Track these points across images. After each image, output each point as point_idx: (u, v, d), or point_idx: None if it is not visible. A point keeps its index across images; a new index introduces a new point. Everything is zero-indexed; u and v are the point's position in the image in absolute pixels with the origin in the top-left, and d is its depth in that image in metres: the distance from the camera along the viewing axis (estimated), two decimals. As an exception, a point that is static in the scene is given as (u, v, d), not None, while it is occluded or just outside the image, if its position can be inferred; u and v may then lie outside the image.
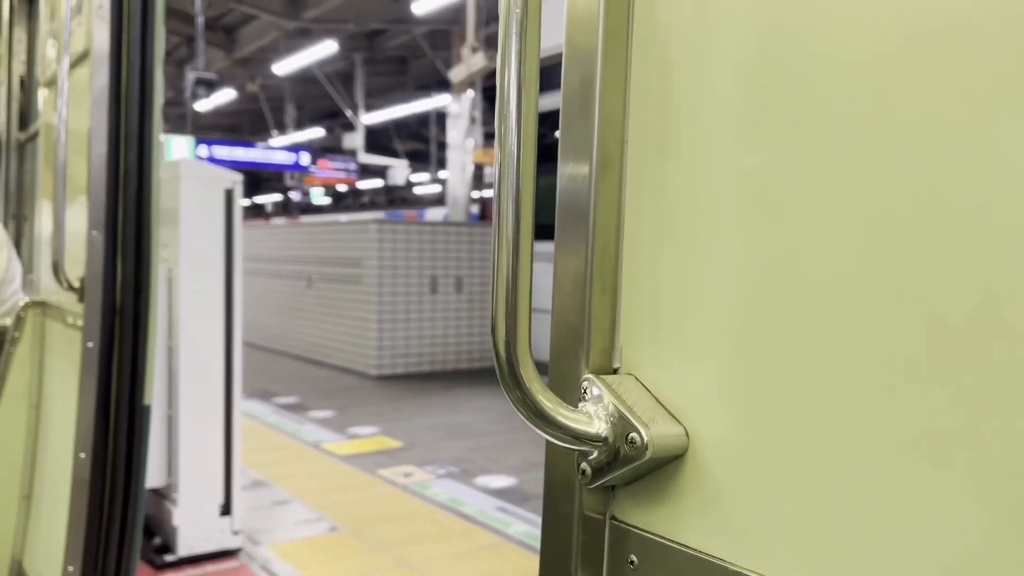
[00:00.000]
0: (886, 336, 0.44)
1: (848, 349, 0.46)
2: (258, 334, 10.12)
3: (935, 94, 0.42)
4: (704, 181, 0.55)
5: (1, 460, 2.38)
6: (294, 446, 5.33)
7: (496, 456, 5.10)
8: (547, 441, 0.58)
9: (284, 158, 17.54)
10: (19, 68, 3.22)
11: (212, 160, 14.60)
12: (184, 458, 3.23)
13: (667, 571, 0.55)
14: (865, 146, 0.45)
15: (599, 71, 0.60)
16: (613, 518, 0.59)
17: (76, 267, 1.97)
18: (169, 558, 3.23)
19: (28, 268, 2.98)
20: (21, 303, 2.36)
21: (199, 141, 15.28)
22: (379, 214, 22.16)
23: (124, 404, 1.78)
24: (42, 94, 2.65)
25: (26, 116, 3.24)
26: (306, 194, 26.54)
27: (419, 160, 23.60)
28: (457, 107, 12.22)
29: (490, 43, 10.42)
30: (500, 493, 4.35)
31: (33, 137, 3.04)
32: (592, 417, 0.56)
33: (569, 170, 0.62)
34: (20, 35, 3.23)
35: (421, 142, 23.04)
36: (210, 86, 13.82)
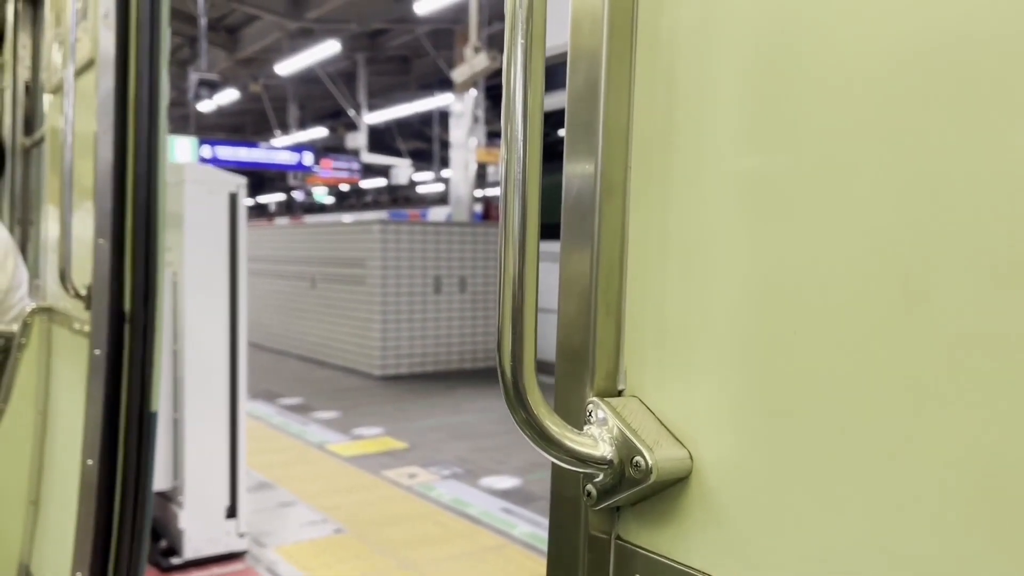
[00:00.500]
0: (893, 358, 0.44)
1: (854, 372, 0.46)
2: (262, 335, 10.14)
3: (941, 97, 0.42)
4: (710, 195, 0.54)
5: (9, 465, 2.39)
6: (299, 447, 5.34)
7: (500, 457, 5.11)
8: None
9: (287, 158, 17.55)
10: (24, 74, 3.24)
11: (216, 161, 14.62)
12: (190, 461, 3.24)
13: None
14: (874, 154, 0.45)
15: (603, 73, 0.60)
16: (618, 538, 0.60)
17: (83, 274, 1.97)
18: (175, 561, 3.25)
19: (34, 273, 2.99)
20: (28, 309, 2.37)
21: (202, 142, 15.31)
22: (382, 213, 22.14)
23: (133, 412, 1.79)
24: (47, 100, 2.66)
25: (31, 121, 3.25)
26: (309, 194, 26.56)
27: (422, 159, 23.61)
28: (460, 106, 12.22)
29: (492, 42, 10.42)
30: (505, 494, 4.36)
31: (39, 143, 3.05)
32: (597, 440, 0.57)
33: (574, 191, 0.63)
34: (25, 40, 3.24)
35: (424, 141, 23.03)
36: (213, 87, 13.82)
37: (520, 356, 0.55)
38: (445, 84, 14.78)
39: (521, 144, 0.54)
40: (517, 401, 0.55)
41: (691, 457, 0.55)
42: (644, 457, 0.54)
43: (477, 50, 9.79)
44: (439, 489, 4.42)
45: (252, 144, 18.53)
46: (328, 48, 15.10)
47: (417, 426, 6.02)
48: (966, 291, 0.41)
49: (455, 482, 4.57)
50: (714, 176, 0.54)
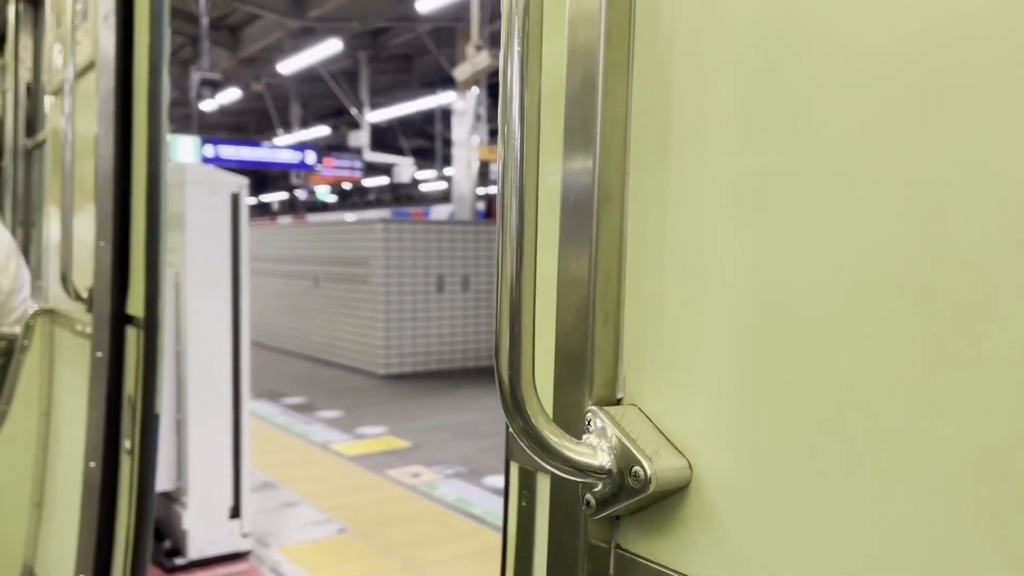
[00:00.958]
0: (896, 366, 0.43)
1: (855, 380, 0.45)
2: (265, 334, 10.15)
3: (937, 97, 0.42)
4: (708, 200, 0.54)
5: (12, 467, 2.40)
6: (302, 447, 5.35)
7: (503, 456, 5.10)
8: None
9: (290, 157, 17.54)
10: (25, 75, 3.24)
11: (218, 160, 14.62)
12: (193, 461, 3.24)
13: None
14: (874, 156, 0.44)
15: (601, 75, 0.59)
16: (618, 547, 0.60)
17: (84, 276, 1.97)
18: (179, 561, 3.25)
19: (36, 275, 2.99)
20: (30, 311, 2.37)
21: (205, 141, 15.30)
22: (385, 212, 22.13)
23: (137, 415, 1.79)
24: (48, 101, 2.66)
25: (33, 123, 3.25)
26: (312, 193, 26.57)
27: (424, 157, 23.59)
28: (462, 104, 12.21)
29: (494, 40, 10.40)
30: (508, 493, 4.35)
31: (40, 144, 3.06)
32: (596, 449, 0.56)
33: (572, 197, 0.62)
34: (26, 42, 3.24)
35: (426, 139, 23.02)
36: (215, 86, 13.83)
37: (518, 363, 0.55)
38: (447, 82, 14.78)
39: (518, 144, 0.53)
40: (515, 409, 0.54)
41: (690, 466, 0.55)
42: (643, 467, 0.54)
43: (479, 48, 9.78)
44: (443, 488, 4.42)
45: (255, 143, 18.53)
46: (330, 47, 15.10)
47: (420, 425, 6.02)
48: (971, 294, 0.40)
49: (459, 481, 4.57)
50: (713, 180, 0.54)
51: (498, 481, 4.56)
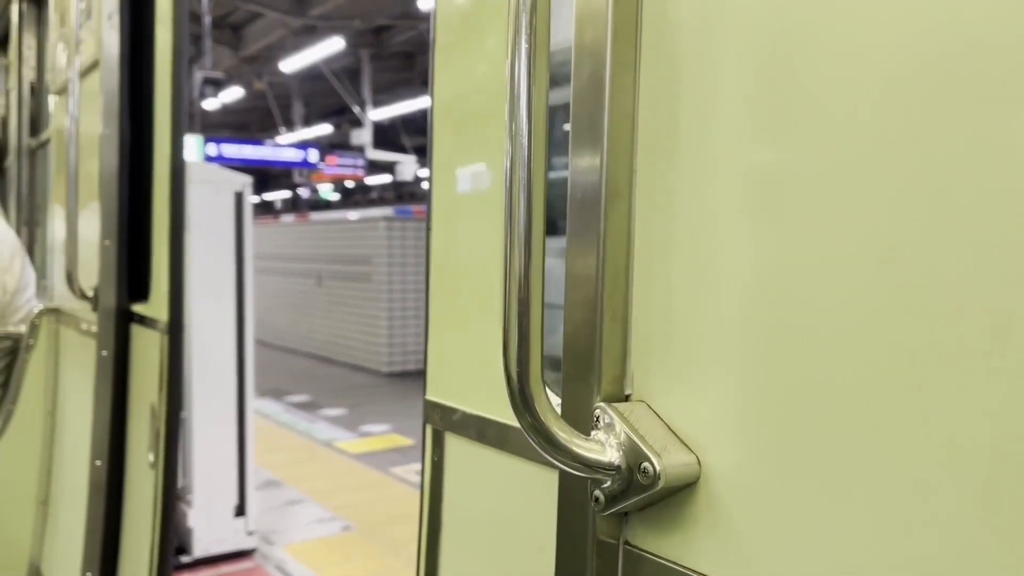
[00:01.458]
0: (906, 364, 0.43)
1: (863, 377, 0.45)
2: (270, 332, 10.15)
3: (947, 97, 0.41)
4: (716, 197, 0.54)
5: (18, 465, 2.40)
6: (307, 445, 5.35)
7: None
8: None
9: (292, 155, 17.53)
10: (29, 74, 3.24)
11: (221, 159, 14.61)
12: (198, 460, 3.25)
13: None
14: (882, 153, 0.44)
15: (608, 73, 0.59)
16: (627, 543, 0.60)
17: (89, 275, 1.98)
18: (185, 559, 3.26)
19: (41, 274, 3.00)
20: (35, 310, 2.37)
21: (208, 139, 15.31)
22: (388, 209, 22.13)
23: (161, 426, 1.78)
24: (53, 101, 2.67)
25: (37, 122, 3.26)
26: (315, 191, 26.57)
27: (427, 155, 23.55)
28: (464, 102, 12.19)
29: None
30: (512, 490, 4.36)
31: (44, 144, 3.06)
32: (605, 446, 0.56)
33: (579, 194, 0.62)
34: (30, 41, 3.24)
35: (429, 137, 22.97)
36: (218, 85, 13.83)
37: (526, 360, 0.55)
38: (449, 80, 14.72)
39: (526, 141, 0.53)
40: (523, 406, 0.54)
41: (699, 463, 0.55)
42: (652, 463, 0.54)
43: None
44: (447, 486, 4.43)
45: (257, 142, 18.53)
46: (332, 45, 15.09)
47: (424, 423, 6.02)
48: (981, 293, 0.40)
49: (463, 479, 4.57)
50: (720, 177, 0.54)
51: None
